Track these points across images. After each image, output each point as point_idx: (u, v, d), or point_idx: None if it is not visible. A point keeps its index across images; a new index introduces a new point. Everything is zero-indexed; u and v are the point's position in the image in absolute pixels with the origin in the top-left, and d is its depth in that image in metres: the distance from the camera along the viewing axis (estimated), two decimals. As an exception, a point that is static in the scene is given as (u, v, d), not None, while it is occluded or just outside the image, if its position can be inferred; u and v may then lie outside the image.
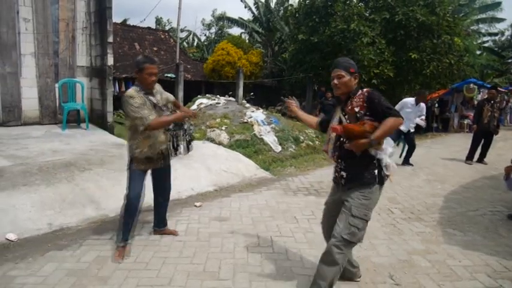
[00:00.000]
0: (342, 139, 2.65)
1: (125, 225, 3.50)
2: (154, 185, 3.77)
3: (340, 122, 2.67)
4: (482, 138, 8.26)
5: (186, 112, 3.54)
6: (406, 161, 7.88)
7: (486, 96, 9.11)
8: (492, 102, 8.22)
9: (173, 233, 3.98)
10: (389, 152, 2.61)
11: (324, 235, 3.02)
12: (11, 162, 5.29)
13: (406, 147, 7.92)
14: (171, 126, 3.56)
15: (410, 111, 7.48)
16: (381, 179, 2.62)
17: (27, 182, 4.62)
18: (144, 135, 3.38)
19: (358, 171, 2.62)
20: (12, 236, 3.73)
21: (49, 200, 4.40)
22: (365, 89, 2.63)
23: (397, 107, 7.25)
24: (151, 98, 3.39)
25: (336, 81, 2.66)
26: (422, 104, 7.66)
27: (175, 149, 3.64)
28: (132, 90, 3.33)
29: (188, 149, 3.77)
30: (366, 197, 2.60)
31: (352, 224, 2.58)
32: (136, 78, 3.39)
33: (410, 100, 7.63)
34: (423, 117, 7.85)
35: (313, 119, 3.11)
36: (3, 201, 4.14)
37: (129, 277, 3.10)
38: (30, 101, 8.36)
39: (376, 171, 2.59)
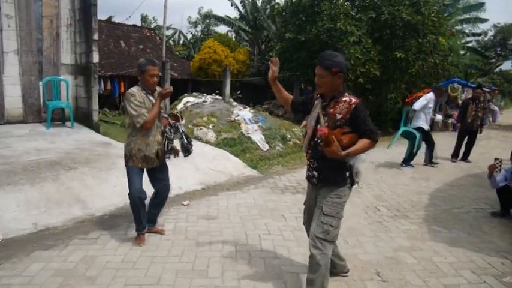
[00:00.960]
0: (316, 140, 2.60)
1: (137, 217, 3.65)
2: (154, 183, 3.81)
3: (318, 120, 2.62)
4: (466, 136, 8.41)
5: (162, 93, 3.51)
6: (430, 160, 7.79)
7: (471, 95, 9.27)
8: (477, 101, 8.37)
9: (160, 232, 3.98)
10: (361, 159, 2.64)
11: (308, 235, 2.97)
12: (-6, 161, 5.19)
13: (414, 147, 7.56)
14: (167, 129, 3.65)
15: (431, 106, 7.40)
16: (352, 181, 2.65)
17: (11, 181, 4.54)
18: (143, 134, 3.48)
19: (329, 173, 2.63)
20: (-4, 237, 3.67)
21: (34, 199, 4.33)
22: (353, 100, 2.50)
23: (422, 102, 7.27)
24: (151, 98, 3.52)
25: (316, 79, 2.58)
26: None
27: (169, 151, 3.70)
28: (134, 89, 3.49)
29: (188, 150, 3.87)
30: (337, 195, 2.62)
31: (324, 222, 2.58)
32: (139, 79, 3.55)
33: (433, 95, 7.45)
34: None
35: (288, 96, 2.98)
36: (-13, 201, 4.06)
37: (117, 276, 3.07)
38: (13, 99, 8.20)
39: (347, 173, 2.61)
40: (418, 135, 7.41)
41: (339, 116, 2.51)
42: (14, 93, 8.20)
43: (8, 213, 4.01)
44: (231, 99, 11.82)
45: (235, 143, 8.08)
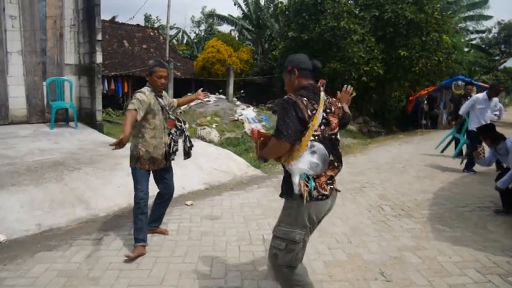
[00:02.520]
0: None
1: (139, 225, 3.51)
2: (159, 184, 3.80)
3: None
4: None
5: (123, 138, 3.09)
6: (469, 168, 7.11)
7: (474, 92, 9.22)
8: (469, 97, 8.32)
9: (164, 233, 3.97)
10: (301, 167, 2.15)
11: None
12: (-2, 162, 5.21)
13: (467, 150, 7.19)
14: (172, 131, 3.66)
15: (483, 107, 6.88)
16: (300, 194, 2.15)
17: (15, 182, 4.56)
18: (151, 135, 3.50)
19: (283, 182, 2.34)
20: (0, 237, 3.68)
21: (38, 200, 4.35)
22: (284, 97, 2.25)
23: (467, 106, 7.07)
24: (160, 100, 3.55)
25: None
26: (496, 98, 7.03)
27: (173, 153, 3.70)
28: (144, 89, 3.50)
29: (189, 154, 3.87)
30: (285, 213, 2.30)
31: (273, 245, 2.32)
32: (147, 81, 3.56)
33: (482, 95, 7.02)
34: (497, 112, 7.27)
35: None
36: (-9, 201, 4.08)
37: (121, 277, 3.07)
38: (17, 99, 8.25)
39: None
40: (462, 140, 7.47)
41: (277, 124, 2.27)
42: (18, 94, 8.24)
43: (12, 214, 4.03)
44: (235, 99, 11.81)
45: (239, 143, 8.09)
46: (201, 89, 4.40)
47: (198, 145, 7.32)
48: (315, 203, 2.20)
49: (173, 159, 3.77)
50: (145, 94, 3.41)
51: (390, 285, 3.03)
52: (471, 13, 21.47)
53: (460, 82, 14.51)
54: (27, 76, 8.32)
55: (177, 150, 3.73)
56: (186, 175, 5.80)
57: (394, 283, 3.06)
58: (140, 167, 3.53)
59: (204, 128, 8.65)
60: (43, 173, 4.91)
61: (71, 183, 4.81)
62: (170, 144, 3.65)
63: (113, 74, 15.34)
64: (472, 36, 24.69)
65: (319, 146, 2.16)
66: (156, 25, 32.54)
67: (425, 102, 15.42)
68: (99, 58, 8.49)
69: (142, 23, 29.97)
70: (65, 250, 3.56)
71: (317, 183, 2.18)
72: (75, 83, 8.94)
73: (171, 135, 3.66)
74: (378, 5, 13.36)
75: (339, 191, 2.44)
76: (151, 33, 21.86)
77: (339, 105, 2.47)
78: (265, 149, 2.31)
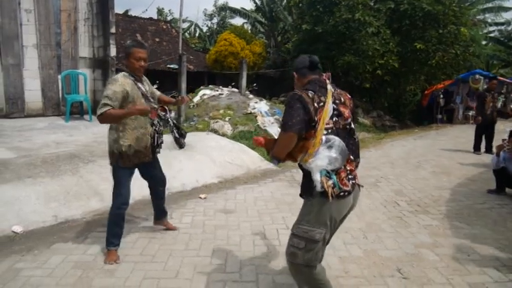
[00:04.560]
0: None
1: (115, 232, 3.29)
2: (148, 177, 3.58)
3: None
4: (485, 128, 8.24)
5: (143, 108, 3.07)
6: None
7: (486, 86, 9.10)
8: (493, 93, 8.29)
9: (173, 229, 3.87)
10: (319, 164, 2.09)
11: None
12: (15, 154, 5.28)
13: None
14: (155, 122, 3.30)
15: None
16: (322, 192, 2.10)
17: (31, 174, 4.60)
18: (132, 127, 3.15)
19: (302, 181, 2.30)
20: (18, 228, 3.73)
21: (54, 192, 4.38)
22: (290, 93, 2.23)
23: None
24: (140, 85, 3.20)
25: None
26: None
27: (158, 145, 3.39)
28: (119, 75, 3.13)
29: (181, 144, 3.61)
30: (305, 211, 2.25)
31: (291, 244, 2.26)
32: (125, 64, 3.23)
33: None
34: None
35: None
36: (9, 193, 4.13)
37: (136, 269, 3.08)
38: (33, 92, 8.33)
39: (313, 182, 2.14)
40: None
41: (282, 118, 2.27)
42: (34, 87, 8.33)
43: (28, 206, 4.07)
44: (247, 92, 11.77)
45: (252, 136, 8.04)
46: (181, 96, 4.03)
47: (211, 138, 7.33)
48: (337, 201, 2.14)
49: (159, 152, 3.44)
50: (117, 83, 3.02)
51: (407, 283, 2.97)
52: (490, 5, 20.98)
53: (477, 76, 14.23)
54: (42, 69, 8.39)
55: (162, 142, 3.42)
56: (199, 168, 5.80)
57: (411, 280, 3.01)
58: (123, 164, 3.18)
59: (217, 121, 8.62)
60: (59, 165, 4.95)
61: (86, 176, 4.84)
62: (154, 136, 3.30)
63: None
64: (491, 28, 24.15)
65: (335, 139, 2.10)
66: (168, 18, 32.57)
67: (441, 96, 15.16)
68: (113, 51, 8.52)
69: (155, 17, 30.03)
70: (81, 242, 3.58)
71: (338, 179, 2.12)
72: (89, 76, 8.99)
73: (154, 126, 3.30)
74: (394, -3, 13.15)
75: (362, 186, 2.38)
76: (164, 27, 21.89)
77: (349, 96, 2.40)
78: (275, 148, 2.24)
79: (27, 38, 8.10)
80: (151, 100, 3.32)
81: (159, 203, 3.76)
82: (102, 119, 2.96)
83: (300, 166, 2.27)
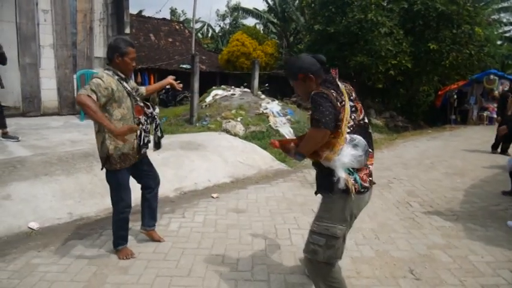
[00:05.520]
0: None
1: (119, 236, 3.29)
2: (141, 179, 3.45)
3: None
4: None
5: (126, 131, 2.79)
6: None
7: (508, 87, 8.92)
8: None
9: (159, 240, 3.59)
10: (345, 162, 2.14)
11: None
12: (31, 152, 5.39)
13: None
14: (142, 120, 3.19)
15: None
16: (344, 188, 2.15)
17: (47, 171, 4.69)
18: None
19: (320, 179, 2.34)
20: (34, 225, 3.81)
21: (69, 189, 4.47)
22: (314, 90, 2.16)
23: None
24: (126, 85, 3.08)
25: (295, 90, 2.43)
26: None
27: (145, 145, 3.25)
28: (104, 73, 2.96)
29: (159, 145, 3.51)
30: (326, 208, 2.27)
31: (311, 241, 2.28)
32: (114, 63, 3.05)
33: None
34: None
35: None
36: (26, 190, 4.22)
37: (149, 267, 3.12)
38: (49, 91, 8.50)
39: (335, 178, 2.16)
40: None
41: (309, 115, 2.23)
42: (50, 86, 8.49)
43: (45, 203, 4.15)
44: (259, 92, 11.79)
45: (264, 136, 8.06)
46: (173, 77, 3.67)
47: (223, 138, 7.37)
48: (357, 197, 2.19)
49: (144, 152, 3.30)
50: (102, 79, 2.86)
51: (420, 284, 2.96)
52: (505, 4, 20.66)
53: (492, 76, 14.03)
54: (58, 69, 8.55)
55: (149, 141, 3.29)
56: (211, 168, 5.85)
57: (424, 281, 2.99)
58: (110, 167, 3.07)
59: (229, 121, 8.66)
60: (74, 163, 5.03)
61: (100, 174, 4.89)
62: (141, 135, 3.16)
63: (139, 67, 15.57)
64: (506, 28, 23.74)
65: (359, 138, 2.15)
66: (181, 19, 32.86)
67: (455, 96, 14.98)
68: (127, 51, 8.61)
69: (168, 17, 30.29)
70: (95, 239, 3.64)
71: (359, 176, 2.18)
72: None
73: (141, 125, 3.17)
74: (407, -3, 13.04)
75: (375, 183, 2.40)
76: (177, 27, 22.08)
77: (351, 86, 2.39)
78: (302, 144, 2.22)
79: (44, 38, 8.26)
80: (137, 98, 3.23)
81: (152, 205, 3.52)
82: (80, 100, 2.73)
83: (316, 164, 2.30)
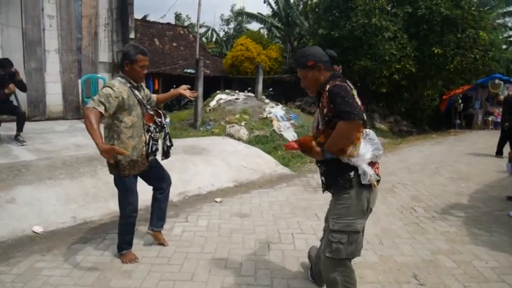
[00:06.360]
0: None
1: (125, 240, 3.31)
2: (152, 182, 3.47)
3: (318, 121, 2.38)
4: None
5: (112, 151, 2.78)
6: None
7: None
8: None
9: (163, 243, 3.61)
10: (367, 157, 2.20)
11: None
12: (36, 156, 5.42)
13: None
14: (151, 128, 3.20)
15: None
16: (360, 183, 2.22)
17: (52, 175, 4.71)
18: (127, 136, 3.03)
19: (333, 177, 2.31)
20: (38, 229, 3.82)
21: (73, 193, 4.48)
22: (329, 85, 2.14)
23: None
24: (136, 93, 3.09)
25: (301, 83, 2.38)
26: None
27: (153, 152, 3.26)
28: (116, 82, 2.98)
29: (167, 154, 3.51)
30: (343, 205, 2.27)
31: (332, 240, 2.29)
32: (124, 70, 3.06)
33: None
34: None
35: None
36: (30, 194, 4.24)
37: (152, 271, 3.12)
38: (54, 96, 8.56)
39: (352, 173, 2.21)
40: None
41: (325, 111, 2.18)
42: (55, 91, 8.55)
43: (49, 207, 4.17)
44: (263, 97, 11.80)
45: (268, 141, 8.07)
46: (188, 86, 3.68)
47: (227, 142, 7.38)
48: (372, 190, 2.27)
49: (152, 159, 3.29)
50: (113, 88, 2.88)
51: (424, 289, 2.94)
52: (510, 8, 20.59)
53: (497, 81, 13.98)
54: (63, 74, 8.61)
55: (157, 149, 3.29)
56: (215, 172, 5.85)
57: (428, 287, 2.97)
58: (119, 173, 3.09)
59: (233, 126, 8.67)
60: (78, 167, 5.06)
61: (104, 178, 4.93)
62: (149, 143, 3.18)
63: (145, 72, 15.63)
64: (511, 32, 23.68)
65: (372, 132, 2.24)
66: (186, 23, 33.01)
67: (460, 101, 14.93)
68: (132, 56, 8.67)
69: (173, 22, 30.45)
70: (99, 243, 3.65)
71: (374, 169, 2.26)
72: (108, 81, 9.16)
73: (150, 133, 3.18)
74: (411, 1, 13.03)
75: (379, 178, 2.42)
76: (182, 32, 22.20)
77: None
78: (332, 140, 2.12)
79: (49, 43, 8.33)
80: (148, 107, 3.21)
81: (161, 205, 3.52)
82: (87, 111, 2.79)
83: (325, 162, 2.31)
